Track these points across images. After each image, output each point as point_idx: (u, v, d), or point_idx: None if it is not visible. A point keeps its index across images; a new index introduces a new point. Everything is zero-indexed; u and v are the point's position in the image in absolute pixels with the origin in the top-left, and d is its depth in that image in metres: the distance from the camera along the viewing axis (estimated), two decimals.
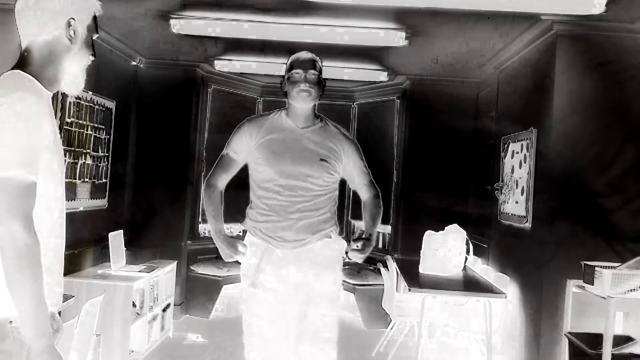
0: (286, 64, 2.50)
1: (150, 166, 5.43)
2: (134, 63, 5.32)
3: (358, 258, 2.37)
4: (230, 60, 5.35)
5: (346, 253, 2.48)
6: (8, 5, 3.66)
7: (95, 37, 1.64)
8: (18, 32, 1.54)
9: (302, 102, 2.41)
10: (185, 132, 5.56)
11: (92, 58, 1.63)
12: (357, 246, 2.34)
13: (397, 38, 4.13)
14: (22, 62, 1.51)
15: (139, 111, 5.44)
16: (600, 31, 3.60)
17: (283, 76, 2.50)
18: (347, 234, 6.23)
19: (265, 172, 2.41)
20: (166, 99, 5.49)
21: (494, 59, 4.69)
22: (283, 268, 2.41)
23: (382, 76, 5.54)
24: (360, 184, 2.59)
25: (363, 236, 2.42)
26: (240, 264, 2.55)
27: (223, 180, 2.52)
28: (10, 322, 1.42)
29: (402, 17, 3.86)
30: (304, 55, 2.48)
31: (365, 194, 2.61)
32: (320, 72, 2.46)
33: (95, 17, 1.62)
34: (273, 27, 4.06)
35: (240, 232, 6.32)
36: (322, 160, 2.41)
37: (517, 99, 4.42)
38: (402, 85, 5.84)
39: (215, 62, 5.38)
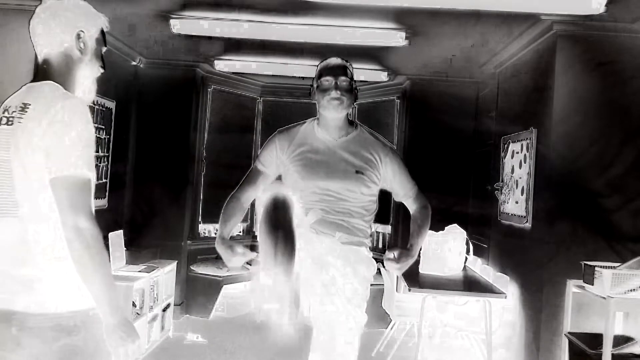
0: (315, 71, 2.35)
1: (150, 166, 5.43)
2: (134, 63, 5.32)
3: (394, 269, 2.18)
4: (230, 60, 5.35)
5: (382, 263, 2.27)
6: (8, 5, 3.67)
7: (104, 50, 1.78)
8: (33, 46, 1.68)
9: (333, 111, 2.25)
10: (185, 132, 5.57)
11: (101, 70, 1.77)
12: (394, 255, 2.16)
13: (397, 38, 4.13)
14: (45, 73, 1.66)
15: (139, 111, 5.44)
16: (600, 31, 3.60)
17: (312, 85, 2.35)
18: None
19: (298, 186, 2.26)
20: (166, 99, 5.49)
21: (494, 59, 4.69)
22: (308, 264, 2.21)
23: (382, 76, 5.54)
24: (404, 196, 2.39)
25: (407, 246, 2.24)
26: (246, 266, 2.46)
27: (248, 193, 2.37)
28: (91, 310, 1.57)
29: (402, 17, 3.86)
30: (334, 61, 2.31)
31: (412, 206, 2.42)
32: (352, 78, 2.29)
33: (103, 32, 1.77)
34: (273, 27, 4.06)
35: (240, 232, 6.33)
36: (358, 172, 2.25)
37: (517, 99, 4.42)
38: (402, 85, 5.84)
39: (215, 62, 5.38)
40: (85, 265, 1.51)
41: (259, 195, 2.23)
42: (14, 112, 1.58)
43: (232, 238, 2.32)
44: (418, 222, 2.37)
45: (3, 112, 1.62)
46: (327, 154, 2.28)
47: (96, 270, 1.52)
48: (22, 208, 1.56)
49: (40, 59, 1.67)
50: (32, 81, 1.66)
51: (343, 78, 2.26)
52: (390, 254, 2.17)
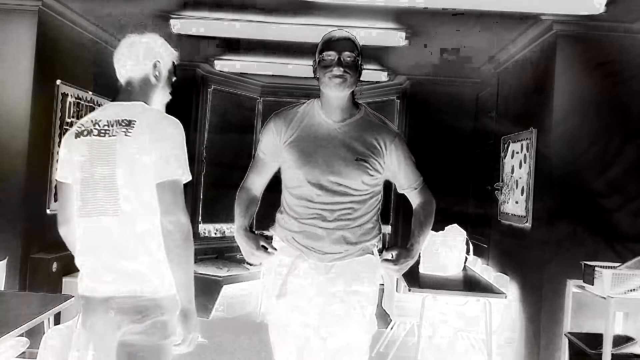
0: (318, 44, 2.11)
1: None
2: None
3: (392, 271, 2.00)
4: (230, 60, 5.35)
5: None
6: (8, 5, 3.67)
7: (174, 79, 2.09)
8: (115, 69, 2.01)
9: (335, 89, 2.02)
10: (185, 132, 5.56)
11: (170, 97, 2.09)
12: (392, 256, 1.98)
13: (397, 38, 4.13)
14: (129, 94, 1.95)
15: None
16: (600, 31, 3.60)
17: (314, 60, 2.12)
18: None
19: (295, 176, 2.06)
20: None
21: (494, 59, 4.69)
22: (311, 284, 2.06)
23: (382, 76, 5.54)
24: (408, 187, 2.17)
25: (405, 246, 2.05)
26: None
27: (256, 183, 2.20)
28: (175, 296, 1.82)
29: (402, 17, 3.86)
30: (339, 33, 2.06)
31: (415, 200, 2.20)
32: (358, 54, 2.06)
33: (174, 64, 2.08)
34: (273, 27, 4.06)
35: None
36: (358, 159, 2.03)
37: (517, 99, 4.42)
38: (402, 85, 5.84)
39: (215, 62, 5.38)
40: (179, 255, 1.78)
41: None
42: (107, 126, 1.86)
43: (254, 234, 2.12)
44: (420, 219, 2.15)
45: (93, 125, 1.88)
46: (326, 139, 2.06)
47: (187, 260, 1.79)
48: (123, 208, 1.81)
49: (122, 81, 1.98)
50: (114, 100, 1.96)
51: (347, 53, 2.02)
52: (388, 254, 2.00)
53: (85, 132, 1.88)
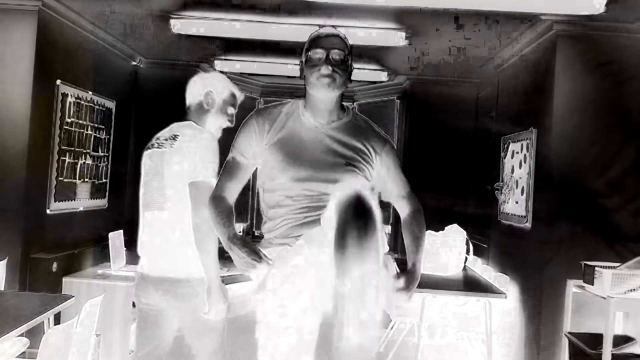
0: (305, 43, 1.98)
1: None
2: (134, 63, 5.32)
3: (404, 299, 1.80)
4: (230, 60, 5.35)
5: None
6: (8, 5, 3.67)
7: (230, 110, 2.54)
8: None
9: (323, 90, 1.87)
10: None
11: (228, 124, 2.51)
12: (400, 285, 1.77)
13: (397, 38, 4.13)
14: (187, 115, 2.49)
15: (139, 111, 5.44)
16: (600, 31, 3.60)
17: (300, 60, 1.98)
18: None
19: (278, 181, 1.89)
20: (166, 99, 5.47)
21: (494, 59, 4.69)
22: (322, 274, 1.77)
23: (382, 76, 5.54)
24: (397, 195, 2.05)
25: (407, 269, 1.87)
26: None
27: (231, 190, 1.96)
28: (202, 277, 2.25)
29: (402, 17, 3.86)
30: (327, 31, 1.93)
31: (404, 209, 2.08)
32: (348, 53, 1.92)
33: (234, 96, 2.55)
34: (273, 27, 4.06)
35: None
36: (348, 165, 1.88)
37: (517, 99, 4.42)
38: (402, 85, 5.84)
39: (215, 62, 5.37)
40: (206, 242, 2.20)
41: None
42: (165, 140, 2.37)
43: (251, 243, 1.84)
44: (415, 233, 2.02)
45: (155, 140, 2.43)
46: (313, 142, 1.90)
47: (212, 245, 2.20)
48: (169, 203, 2.28)
49: (186, 106, 2.51)
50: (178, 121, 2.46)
51: (336, 51, 1.88)
52: (397, 284, 1.78)
53: (150, 146, 2.43)
